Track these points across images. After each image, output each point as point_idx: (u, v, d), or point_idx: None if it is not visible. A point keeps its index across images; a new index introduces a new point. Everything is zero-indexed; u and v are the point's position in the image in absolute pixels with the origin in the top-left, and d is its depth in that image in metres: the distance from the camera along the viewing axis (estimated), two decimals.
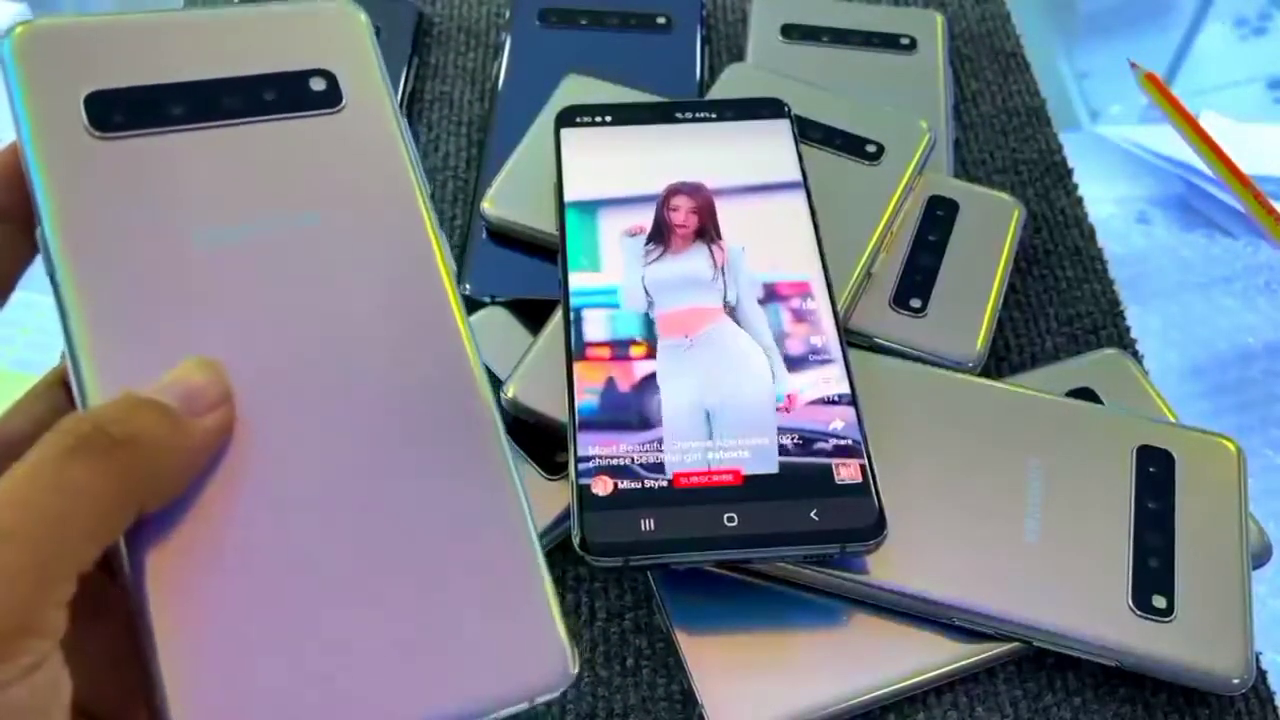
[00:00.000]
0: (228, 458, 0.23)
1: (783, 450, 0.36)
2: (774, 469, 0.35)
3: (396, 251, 0.26)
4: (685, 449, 0.35)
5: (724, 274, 0.40)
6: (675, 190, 0.42)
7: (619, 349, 0.38)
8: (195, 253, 0.25)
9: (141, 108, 0.26)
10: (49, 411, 0.25)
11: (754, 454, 0.35)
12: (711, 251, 0.40)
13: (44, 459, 0.19)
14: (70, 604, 0.19)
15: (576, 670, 0.23)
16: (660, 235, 0.41)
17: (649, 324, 0.38)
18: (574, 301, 0.39)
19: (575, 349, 0.38)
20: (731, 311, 0.39)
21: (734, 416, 0.36)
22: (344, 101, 0.27)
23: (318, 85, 0.27)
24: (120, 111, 0.26)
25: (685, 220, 0.41)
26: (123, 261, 0.24)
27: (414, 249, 0.27)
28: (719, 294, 0.39)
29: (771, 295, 0.39)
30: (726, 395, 0.37)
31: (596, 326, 0.38)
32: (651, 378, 0.37)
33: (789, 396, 0.37)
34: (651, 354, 0.38)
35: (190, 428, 0.22)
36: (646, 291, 0.39)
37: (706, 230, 0.41)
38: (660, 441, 0.36)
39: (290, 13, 0.28)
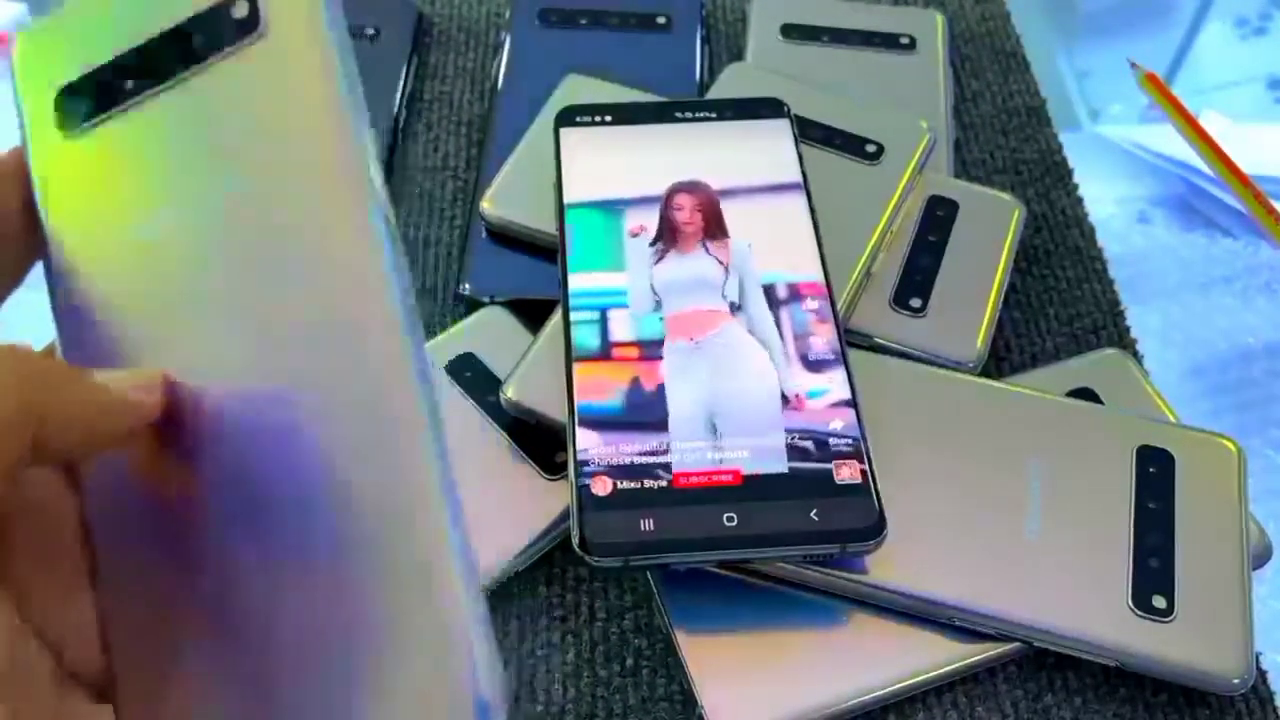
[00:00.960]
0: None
1: (783, 451, 0.35)
2: (774, 469, 0.35)
3: (324, 213, 0.22)
4: (685, 449, 0.35)
5: (729, 273, 0.40)
6: (678, 189, 0.42)
7: (619, 349, 0.38)
8: (138, 244, 0.24)
9: (89, 96, 0.25)
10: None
11: (754, 454, 0.35)
12: (718, 250, 0.40)
13: None
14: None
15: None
16: (666, 235, 0.41)
17: (650, 325, 0.38)
18: (574, 302, 0.39)
19: (575, 349, 0.38)
20: (737, 310, 0.39)
21: (736, 418, 0.36)
22: (261, 26, 0.23)
23: (239, 11, 0.24)
24: (76, 105, 0.25)
25: (690, 219, 0.41)
26: (84, 262, 0.24)
27: (342, 207, 0.22)
28: (723, 295, 0.39)
29: (771, 295, 0.39)
30: (728, 397, 0.37)
31: (597, 327, 0.38)
32: (653, 378, 0.37)
33: (792, 397, 0.37)
34: (653, 354, 0.38)
35: (104, 389, 0.22)
36: (655, 292, 0.39)
37: (712, 228, 0.41)
38: (660, 441, 0.36)
39: None
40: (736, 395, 0.37)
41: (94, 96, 0.25)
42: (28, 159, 0.25)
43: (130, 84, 0.24)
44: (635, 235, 0.41)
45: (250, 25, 0.23)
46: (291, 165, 0.23)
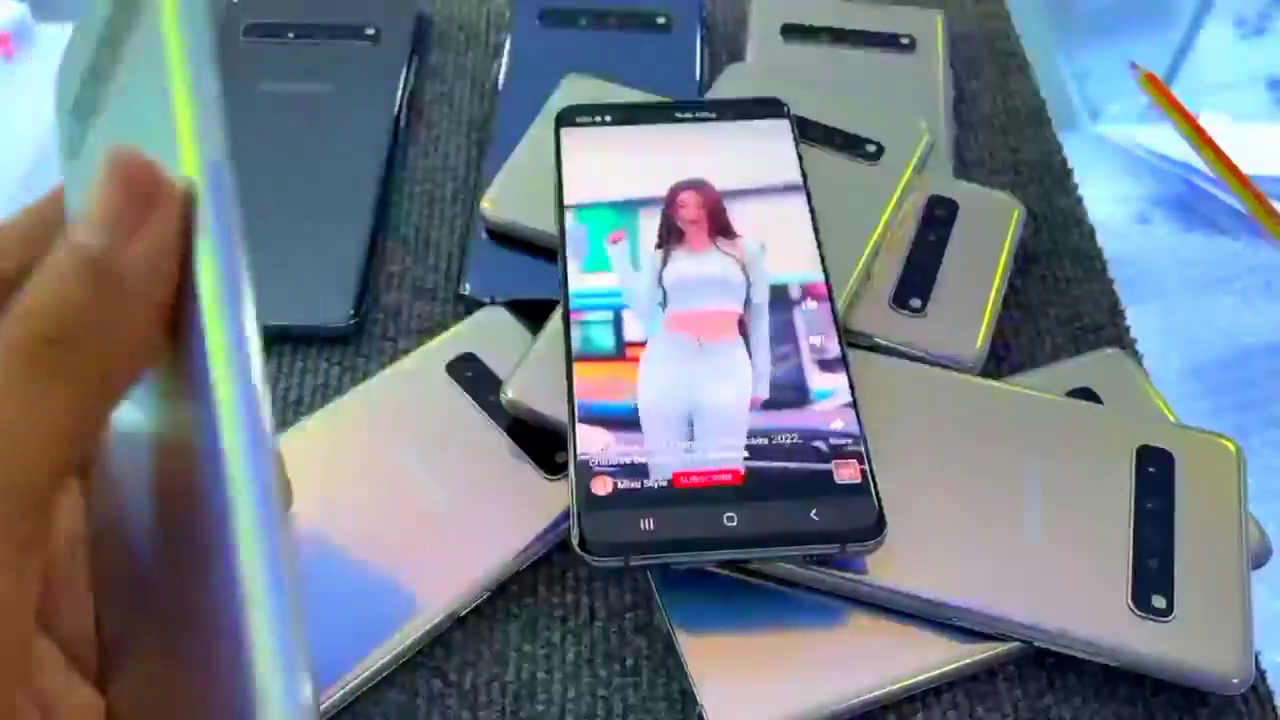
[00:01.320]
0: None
1: (782, 451, 0.36)
2: (774, 469, 0.35)
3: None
4: (685, 448, 0.35)
5: (746, 273, 0.40)
6: (680, 188, 0.42)
7: (620, 349, 0.38)
8: None
9: (80, 110, 0.24)
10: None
11: (754, 454, 0.35)
12: (731, 248, 0.40)
13: None
14: (45, 511, 0.18)
15: None
16: (673, 235, 0.41)
17: (653, 324, 0.38)
18: (574, 302, 0.39)
19: (575, 349, 0.38)
20: (749, 312, 0.39)
21: (736, 418, 0.36)
22: None
23: None
24: (73, 124, 0.24)
25: (696, 217, 0.41)
26: None
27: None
28: (739, 295, 0.39)
29: (771, 295, 0.39)
30: (729, 397, 0.37)
31: (597, 326, 0.38)
32: (654, 378, 0.37)
33: (790, 398, 0.37)
34: (655, 354, 0.38)
35: (121, 280, 0.18)
36: (664, 290, 0.39)
37: (721, 226, 0.41)
38: (660, 441, 0.36)
39: None
40: (738, 395, 0.37)
41: (82, 110, 0.24)
42: None
43: (93, 89, 0.23)
44: (615, 243, 0.41)
45: None
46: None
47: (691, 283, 0.39)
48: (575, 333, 0.38)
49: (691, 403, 0.37)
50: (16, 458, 0.18)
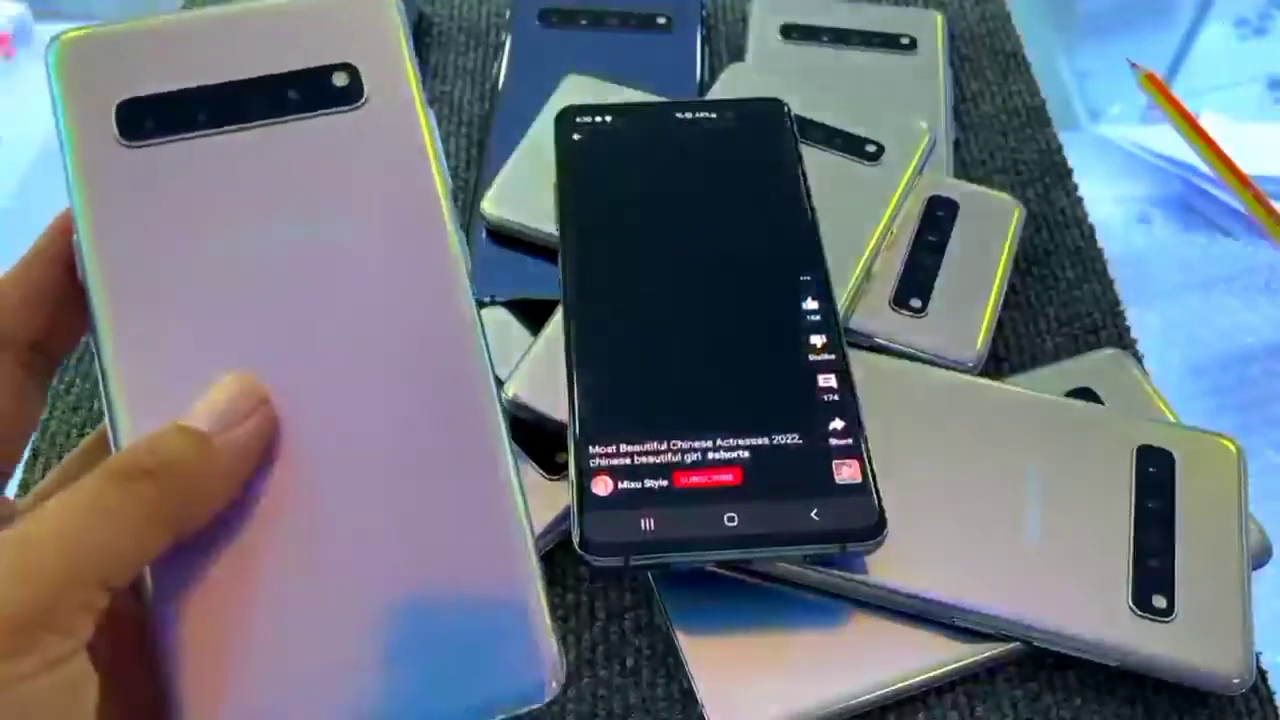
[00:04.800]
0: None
1: (783, 451, 0.35)
2: (774, 469, 0.35)
3: (413, 257, 0.26)
4: (685, 449, 0.35)
5: (736, 267, 0.40)
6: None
7: (620, 348, 0.38)
8: (218, 264, 0.25)
9: (166, 114, 0.26)
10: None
11: (754, 454, 0.35)
12: (721, 243, 0.40)
13: (81, 487, 0.21)
14: (99, 616, 0.20)
15: (560, 682, 0.24)
16: (666, 233, 0.41)
17: (651, 323, 0.38)
18: (574, 302, 0.39)
19: (576, 348, 0.38)
20: (741, 303, 0.39)
21: (736, 417, 0.36)
22: (365, 97, 0.27)
23: (340, 80, 0.27)
24: (147, 119, 0.26)
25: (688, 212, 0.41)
26: (149, 274, 0.25)
27: (431, 253, 0.26)
28: (729, 288, 0.39)
29: (772, 295, 0.39)
30: (729, 396, 0.37)
31: (597, 326, 0.38)
32: (654, 377, 0.37)
33: (789, 397, 0.37)
34: (653, 353, 0.38)
35: (220, 452, 0.23)
36: (653, 283, 0.39)
37: (716, 219, 0.41)
38: (661, 441, 0.35)
39: (318, 4, 0.28)
40: (737, 394, 0.37)
41: (165, 116, 0.26)
42: (65, 165, 0.26)
43: (205, 115, 0.26)
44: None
45: (352, 95, 0.27)
46: (393, 236, 0.26)
47: (680, 275, 0.40)
48: (576, 332, 0.38)
49: (697, 403, 0.37)
50: (79, 552, 0.20)
